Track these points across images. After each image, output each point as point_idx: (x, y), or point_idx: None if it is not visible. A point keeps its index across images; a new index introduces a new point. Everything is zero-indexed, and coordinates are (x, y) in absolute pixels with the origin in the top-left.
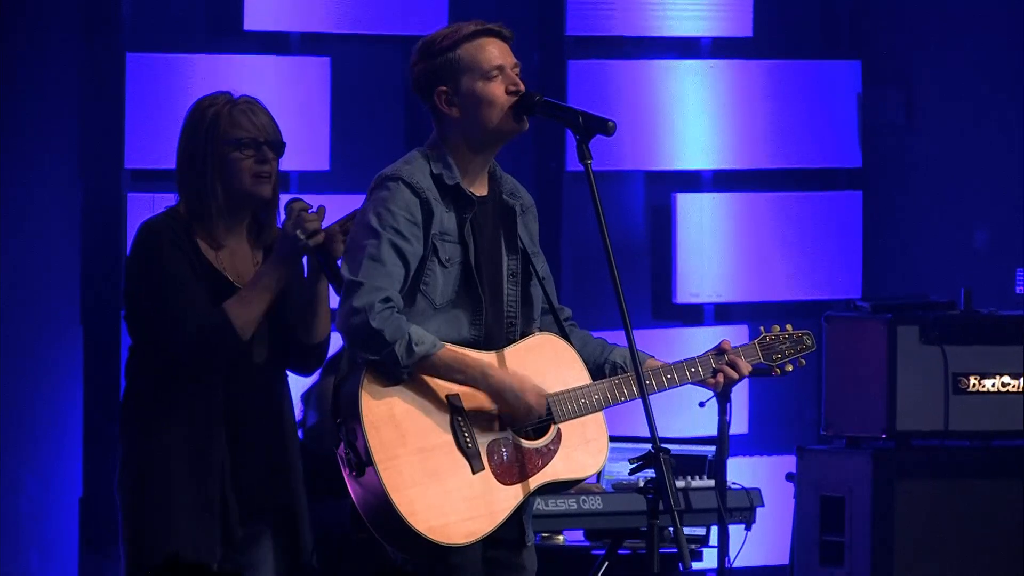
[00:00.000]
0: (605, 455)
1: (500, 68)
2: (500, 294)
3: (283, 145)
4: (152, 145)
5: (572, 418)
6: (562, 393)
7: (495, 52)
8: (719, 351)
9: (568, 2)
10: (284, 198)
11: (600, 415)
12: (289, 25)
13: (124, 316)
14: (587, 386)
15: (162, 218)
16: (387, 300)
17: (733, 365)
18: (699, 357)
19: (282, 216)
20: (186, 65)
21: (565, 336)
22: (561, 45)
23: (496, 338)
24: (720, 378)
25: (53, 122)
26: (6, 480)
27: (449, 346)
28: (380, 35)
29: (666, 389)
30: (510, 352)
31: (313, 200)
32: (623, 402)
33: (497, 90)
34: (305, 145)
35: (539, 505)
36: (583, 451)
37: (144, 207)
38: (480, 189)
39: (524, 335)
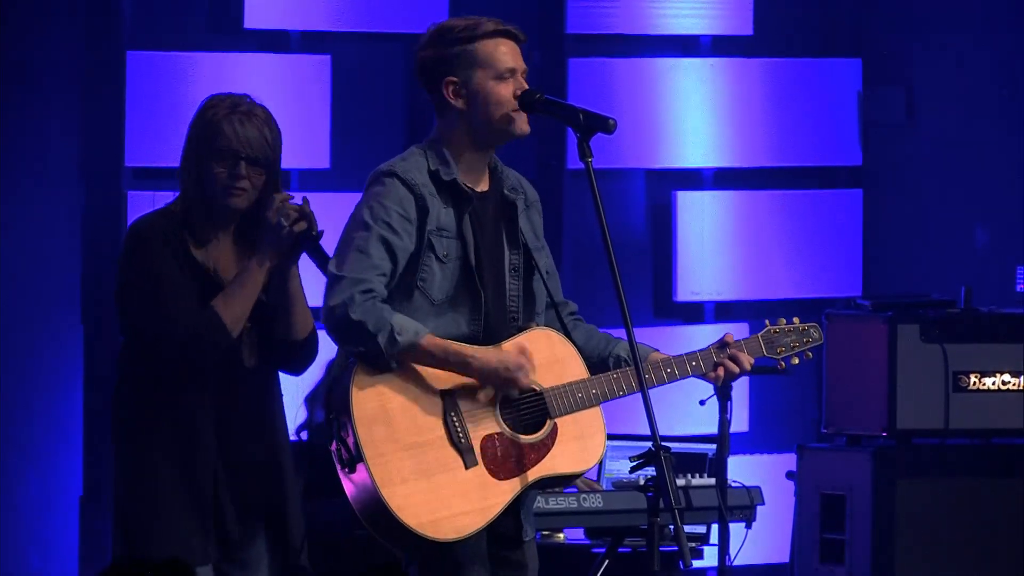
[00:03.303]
0: (602, 450)
1: (513, 71)
2: (503, 289)
3: (269, 161)
4: (152, 143)
5: (569, 413)
6: (559, 387)
7: (510, 55)
8: (721, 345)
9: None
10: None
11: (598, 409)
12: (289, 23)
13: (118, 315)
14: (584, 380)
15: (153, 217)
16: (368, 291)
17: (735, 359)
18: (700, 351)
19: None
20: (186, 63)
21: (566, 331)
22: (561, 43)
23: (498, 333)
24: (721, 372)
25: (53, 120)
26: (7, 478)
27: (432, 335)
28: (380, 33)
29: (666, 383)
30: (507, 346)
31: (315, 200)
32: (621, 396)
33: (507, 92)
34: (305, 143)
35: (539, 503)
36: (579, 445)
37: (145, 205)
38: (480, 184)
39: (522, 330)
